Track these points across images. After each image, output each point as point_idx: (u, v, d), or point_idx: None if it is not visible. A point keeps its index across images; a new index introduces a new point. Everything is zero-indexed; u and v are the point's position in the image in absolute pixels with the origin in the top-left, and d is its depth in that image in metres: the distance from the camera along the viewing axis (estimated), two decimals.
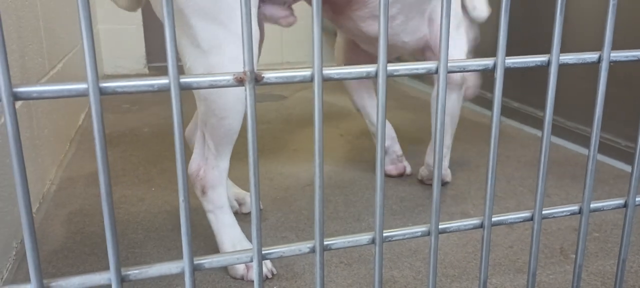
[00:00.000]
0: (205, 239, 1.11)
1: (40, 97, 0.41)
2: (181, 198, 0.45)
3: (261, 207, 1.27)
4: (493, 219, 0.53)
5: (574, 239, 1.08)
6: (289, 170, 1.49)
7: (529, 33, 1.79)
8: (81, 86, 0.41)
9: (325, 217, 1.20)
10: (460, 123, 1.96)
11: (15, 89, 0.39)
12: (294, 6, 1.07)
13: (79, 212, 1.23)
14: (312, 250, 0.50)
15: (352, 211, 1.23)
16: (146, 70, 2.87)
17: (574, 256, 1.01)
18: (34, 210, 1.23)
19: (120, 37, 2.78)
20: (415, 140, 1.77)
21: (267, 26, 1.11)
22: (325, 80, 0.46)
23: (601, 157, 1.52)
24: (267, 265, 0.98)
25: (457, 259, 1.01)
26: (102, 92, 0.42)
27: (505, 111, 1.93)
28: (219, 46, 0.88)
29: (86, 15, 0.39)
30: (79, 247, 1.07)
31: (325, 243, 0.50)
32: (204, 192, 0.97)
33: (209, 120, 0.92)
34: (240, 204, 1.23)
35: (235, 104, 0.90)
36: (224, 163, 0.96)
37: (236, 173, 1.44)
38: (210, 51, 0.88)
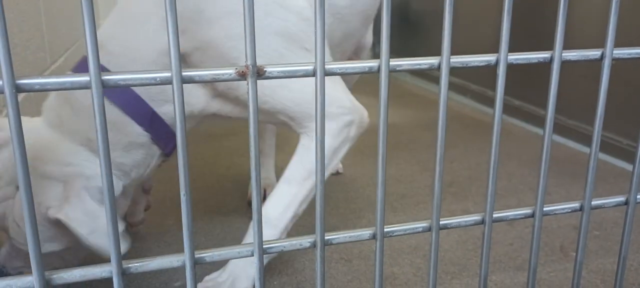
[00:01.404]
0: (205, 234, 1.11)
1: (43, 89, 0.41)
2: (183, 192, 0.45)
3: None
4: (494, 215, 0.53)
5: (574, 237, 1.08)
6: None
7: (531, 29, 1.78)
8: (83, 79, 0.41)
9: (326, 213, 1.20)
10: (462, 120, 1.96)
11: (18, 81, 0.39)
12: None
13: None
14: (313, 245, 0.50)
15: (352, 207, 1.23)
16: None
17: (574, 254, 1.01)
18: None
19: None
20: (415, 137, 1.77)
21: None
22: (327, 74, 0.46)
23: (602, 156, 1.52)
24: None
25: (457, 256, 1.01)
26: (105, 85, 0.42)
27: (507, 109, 1.93)
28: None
29: (89, 10, 0.39)
30: None
31: (326, 238, 0.50)
32: None
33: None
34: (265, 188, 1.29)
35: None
36: None
37: (238, 169, 1.44)
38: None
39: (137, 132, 0.83)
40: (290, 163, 0.91)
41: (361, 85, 2.52)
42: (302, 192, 0.90)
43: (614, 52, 0.53)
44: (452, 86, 2.17)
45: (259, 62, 0.72)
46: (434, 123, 1.93)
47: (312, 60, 0.85)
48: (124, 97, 0.82)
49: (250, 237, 0.95)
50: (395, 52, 2.75)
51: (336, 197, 1.29)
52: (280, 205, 0.88)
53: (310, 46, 0.86)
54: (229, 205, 1.25)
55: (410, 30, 2.68)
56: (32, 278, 0.42)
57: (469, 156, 1.57)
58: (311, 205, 1.23)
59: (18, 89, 0.40)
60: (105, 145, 0.42)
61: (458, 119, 1.98)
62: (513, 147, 1.63)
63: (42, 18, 1.45)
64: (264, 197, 1.26)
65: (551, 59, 0.52)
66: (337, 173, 1.44)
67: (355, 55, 1.34)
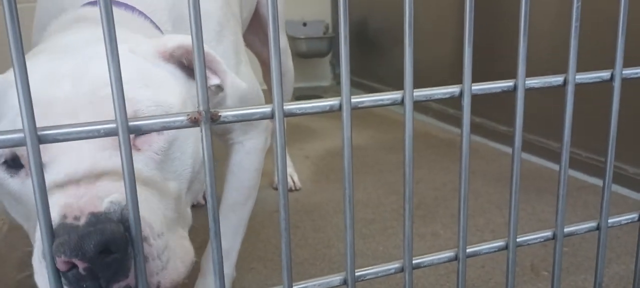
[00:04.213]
0: None
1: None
2: (137, 249, 0.41)
3: None
4: (467, 251, 0.51)
5: (544, 255, 1.08)
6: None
7: (489, 52, 1.81)
8: (17, 135, 0.37)
9: (294, 245, 1.17)
10: (425, 139, 1.96)
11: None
12: None
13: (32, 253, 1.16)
14: None
15: (321, 237, 1.20)
16: None
17: (546, 273, 1.01)
18: None
19: None
20: (379, 158, 1.76)
21: None
22: (287, 116, 0.44)
23: None
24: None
25: (430, 283, 0.99)
26: (42, 141, 0.38)
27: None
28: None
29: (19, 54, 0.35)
30: None
31: (294, 287, 0.47)
32: None
33: None
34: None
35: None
36: None
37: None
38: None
39: None
40: (228, 186, 0.89)
41: None
42: (246, 214, 0.91)
43: (577, 77, 0.52)
44: (414, 105, 2.18)
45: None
46: (395, 144, 1.93)
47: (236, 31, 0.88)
48: None
49: (207, 276, 0.91)
50: (354, 72, 2.75)
51: (304, 227, 1.26)
52: (230, 234, 0.89)
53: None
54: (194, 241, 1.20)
55: (369, 49, 2.69)
56: None
57: (435, 176, 1.56)
58: (279, 238, 1.20)
59: None
60: (45, 205, 0.38)
61: (421, 138, 1.98)
62: (477, 165, 1.64)
63: None
64: (204, 198, 1.32)
65: (515, 87, 0.51)
66: (292, 190, 1.48)
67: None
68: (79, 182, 0.50)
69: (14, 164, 0.55)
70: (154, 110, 0.55)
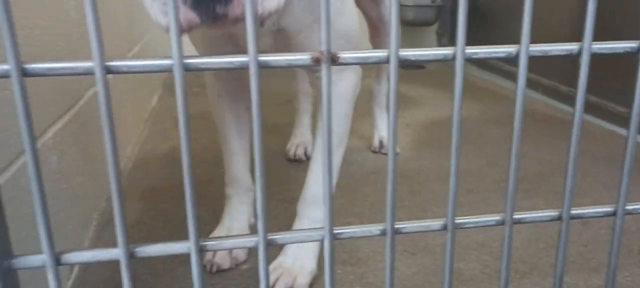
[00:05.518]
0: (276, 217, 1.13)
1: (51, 73, 0.41)
2: (258, 184, 0.46)
3: None
4: (572, 212, 0.51)
5: None
6: (354, 156, 1.49)
7: (615, 19, 1.69)
8: (166, 62, 0.43)
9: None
10: (533, 115, 1.89)
11: (24, 66, 0.39)
12: None
13: (152, 189, 1.29)
14: (383, 233, 0.50)
15: (417, 201, 1.22)
16: None
17: None
18: None
19: None
20: (481, 131, 1.72)
21: None
22: (402, 61, 0.46)
23: None
24: None
25: (528, 254, 0.98)
26: (187, 69, 0.43)
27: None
28: None
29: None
30: (153, 222, 1.13)
31: (396, 226, 0.50)
32: None
33: None
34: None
35: None
36: None
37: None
38: None
39: None
40: (321, 132, 0.92)
41: (424, 76, 2.50)
42: (338, 159, 0.94)
43: None
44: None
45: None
46: (501, 118, 1.88)
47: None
48: None
49: (303, 219, 0.95)
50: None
51: (400, 190, 1.28)
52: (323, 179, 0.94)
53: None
54: (291, 191, 1.26)
55: (480, 21, 2.61)
56: (118, 250, 0.44)
57: (540, 152, 1.51)
58: (375, 196, 1.23)
59: (25, 73, 0.40)
60: (186, 128, 0.44)
61: (529, 113, 1.91)
62: (587, 144, 1.56)
63: (120, 8, 1.52)
64: (305, 154, 1.47)
65: (639, 49, 0.49)
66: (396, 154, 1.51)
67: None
68: None
69: None
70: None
